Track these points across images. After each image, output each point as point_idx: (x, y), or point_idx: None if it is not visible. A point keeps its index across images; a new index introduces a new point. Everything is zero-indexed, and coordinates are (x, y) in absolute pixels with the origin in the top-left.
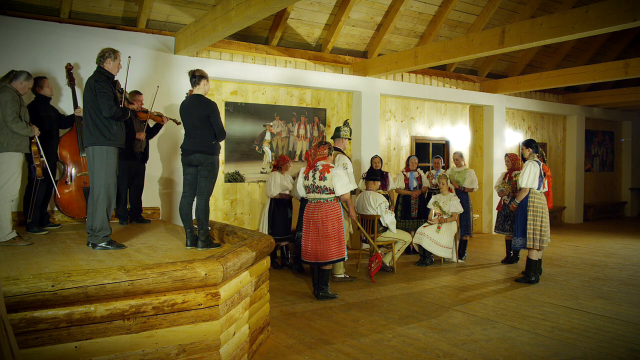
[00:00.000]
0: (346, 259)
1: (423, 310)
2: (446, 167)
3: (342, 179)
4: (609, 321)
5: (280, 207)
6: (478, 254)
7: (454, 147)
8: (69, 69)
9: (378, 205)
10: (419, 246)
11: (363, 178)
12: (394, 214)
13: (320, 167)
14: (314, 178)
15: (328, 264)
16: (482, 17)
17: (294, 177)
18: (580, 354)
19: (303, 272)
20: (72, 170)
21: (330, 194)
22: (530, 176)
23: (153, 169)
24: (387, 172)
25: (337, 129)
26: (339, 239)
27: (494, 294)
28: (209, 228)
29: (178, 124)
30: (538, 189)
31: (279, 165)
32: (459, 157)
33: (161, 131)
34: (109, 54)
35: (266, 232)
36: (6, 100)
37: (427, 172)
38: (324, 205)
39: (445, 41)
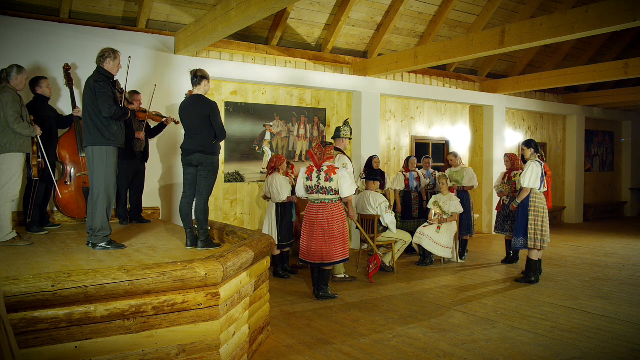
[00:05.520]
0: (349, 259)
1: (423, 310)
2: (446, 167)
3: (347, 181)
4: (609, 321)
5: (287, 210)
6: (478, 254)
7: (454, 147)
8: (66, 69)
9: (378, 205)
10: (419, 246)
11: (362, 178)
12: (393, 214)
13: (326, 168)
14: (319, 179)
15: (333, 264)
16: (482, 17)
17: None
18: (580, 354)
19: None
20: (71, 170)
21: (335, 194)
22: (532, 176)
23: (153, 169)
24: (383, 172)
25: (338, 129)
26: (343, 240)
27: (494, 294)
28: (209, 228)
29: (177, 123)
30: (539, 189)
31: (276, 166)
32: (453, 157)
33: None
34: (108, 54)
35: (275, 241)
36: (7, 101)
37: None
38: (329, 206)
39: (445, 41)
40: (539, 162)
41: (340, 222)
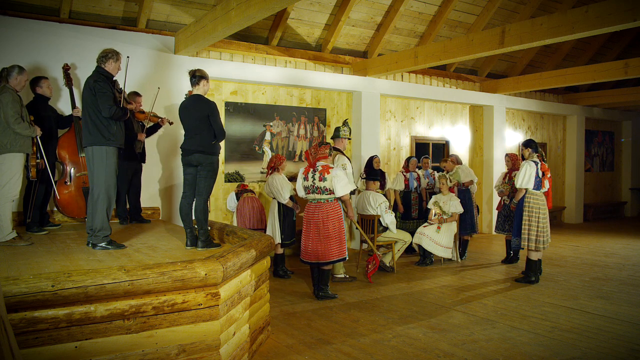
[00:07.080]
0: (347, 258)
1: (423, 310)
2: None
3: (341, 180)
4: (609, 321)
5: (290, 209)
6: (478, 254)
7: (454, 147)
8: (66, 69)
9: (378, 205)
10: (419, 246)
11: (362, 178)
12: (393, 214)
13: (320, 168)
14: (314, 179)
15: (329, 264)
16: (482, 17)
17: (294, 178)
18: (580, 354)
19: (286, 277)
20: (71, 171)
21: (330, 194)
22: (525, 177)
23: (153, 169)
24: (384, 172)
25: (337, 129)
26: (339, 239)
27: (494, 294)
28: (209, 228)
29: (171, 124)
30: (537, 189)
31: (275, 166)
32: (444, 163)
33: (160, 131)
34: (112, 55)
35: (278, 240)
36: (7, 102)
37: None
38: (324, 206)
39: (445, 41)
40: (535, 162)
41: (335, 221)
